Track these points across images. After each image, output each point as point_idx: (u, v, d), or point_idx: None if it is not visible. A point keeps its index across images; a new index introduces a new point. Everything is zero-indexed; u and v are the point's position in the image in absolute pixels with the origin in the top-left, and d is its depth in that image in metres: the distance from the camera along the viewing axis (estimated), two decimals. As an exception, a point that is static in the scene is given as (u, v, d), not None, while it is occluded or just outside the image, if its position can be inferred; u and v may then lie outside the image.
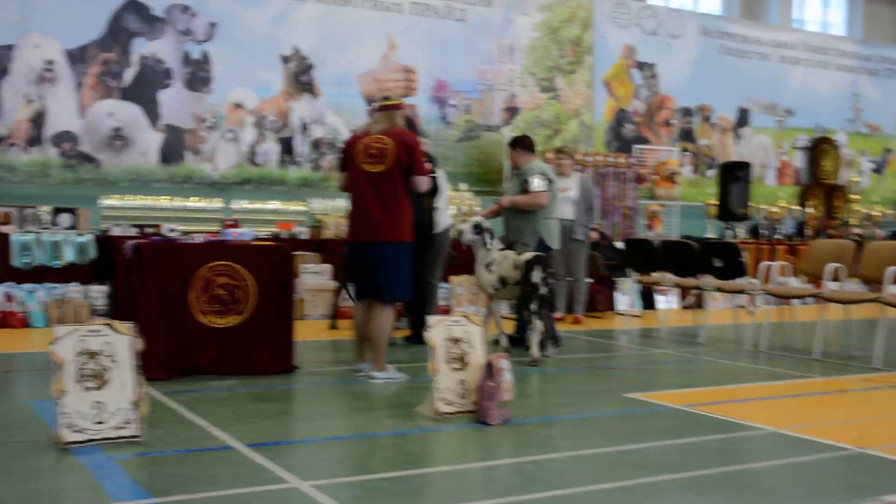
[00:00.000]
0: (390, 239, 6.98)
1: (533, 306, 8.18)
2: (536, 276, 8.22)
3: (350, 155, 7.07)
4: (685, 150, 16.62)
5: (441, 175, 9.41)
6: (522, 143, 9.37)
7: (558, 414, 6.12)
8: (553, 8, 15.19)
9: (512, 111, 14.82)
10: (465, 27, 14.41)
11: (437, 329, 5.85)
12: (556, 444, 5.23)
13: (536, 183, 8.92)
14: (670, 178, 15.74)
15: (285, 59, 13.12)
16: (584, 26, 15.47)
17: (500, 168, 14.08)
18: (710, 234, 15.38)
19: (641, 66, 16.22)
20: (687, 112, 16.72)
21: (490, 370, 5.61)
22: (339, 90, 13.50)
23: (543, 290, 8.29)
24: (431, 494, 4.33)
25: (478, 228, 8.53)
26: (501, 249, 8.62)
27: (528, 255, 8.39)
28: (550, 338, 8.62)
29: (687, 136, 16.74)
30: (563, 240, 11.29)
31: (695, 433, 5.59)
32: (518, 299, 8.44)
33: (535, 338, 8.13)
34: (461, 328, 5.94)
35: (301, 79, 13.22)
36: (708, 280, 10.22)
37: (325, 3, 13.35)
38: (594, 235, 11.68)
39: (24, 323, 10.03)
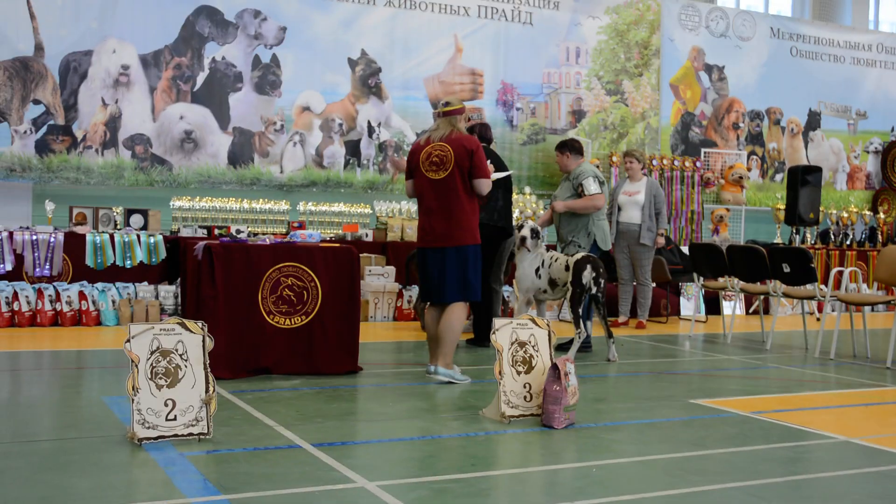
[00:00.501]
0: (452, 244, 7.05)
1: (581, 309, 8.25)
2: (587, 276, 8.25)
3: (415, 163, 7.15)
4: (753, 153, 16.43)
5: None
6: (571, 147, 9.43)
7: (623, 419, 6.09)
8: (620, 10, 15.10)
9: (578, 114, 14.76)
10: (531, 30, 14.39)
11: (503, 332, 5.87)
12: (621, 449, 5.22)
13: (592, 186, 8.93)
14: (738, 181, 15.56)
15: (353, 63, 13.19)
16: (652, 29, 15.36)
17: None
18: (778, 240, 15.18)
19: (710, 68, 16.06)
20: (756, 115, 16.52)
21: (556, 373, 5.61)
22: (406, 93, 13.55)
23: (594, 291, 8.36)
24: (496, 497, 4.35)
25: (535, 233, 8.56)
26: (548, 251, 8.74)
27: (580, 255, 8.41)
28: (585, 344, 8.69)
29: (755, 139, 16.55)
30: (628, 244, 11.27)
31: (761, 441, 5.54)
32: (570, 300, 8.45)
33: (576, 343, 8.18)
34: (527, 331, 5.96)
35: (368, 82, 13.29)
36: (776, 286, 10.12)
37: (393, 6, 13.40)
38: (660, 241, 11.59)
39: (97, 321, 10.16)
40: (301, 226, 11.00)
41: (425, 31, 13.68)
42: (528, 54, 14.38)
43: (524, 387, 5.81)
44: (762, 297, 11.36)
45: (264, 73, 12.61)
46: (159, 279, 10.65)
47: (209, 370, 5.12)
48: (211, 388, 5.11)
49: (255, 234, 9.19)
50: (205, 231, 10.89)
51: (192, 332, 5.11)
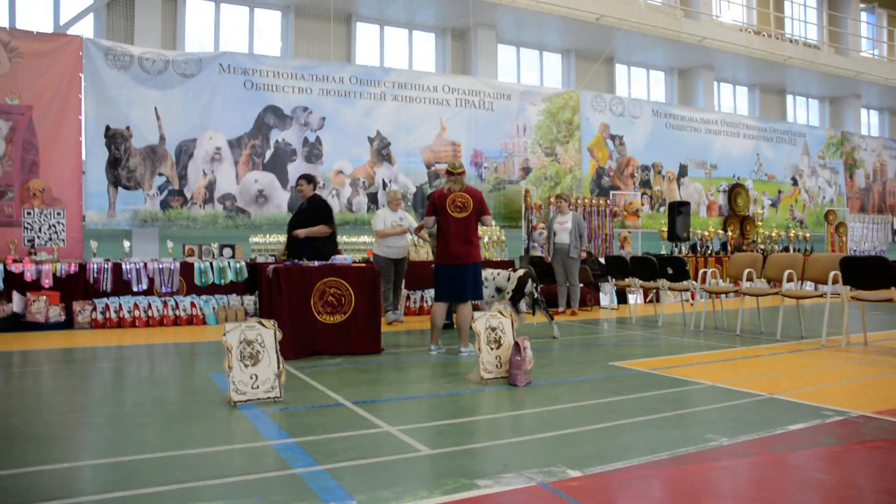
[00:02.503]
0: (471, 261, 7.20)
1: (522, 305, 8.71)
2: (530, 286, 8.59)
3: (441, 205, 7.21)
4: (644, 193, 16.46)
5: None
6: (309, 179, 8.74)
7: (564, 377, 6.07)
8: (552, 99, 15.14)
9: (526, 170, 14.77)
10: (493, 114, 14.40)
11: (481, 321, 5.84)
12: (563, 398, 5.20)
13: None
14: (635, 213, 15.60)
15: (371, 140, 13.19)
16: (574, 111, 15.40)
17: (520, 209, 14.05)
18: (664, 251, 15.20)
19: (614, 137, 16.10)
20: (645, 168, 16.57)
21: (517, 348, 5.59)
22: (408, 159, 13.54)
23: (536, 295, 8.69)
24: (480, 434, 4.31)
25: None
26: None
27: (521, 271, 8.65)
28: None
29: (645, 184, 16.58)
30: (562, 257, 11.26)
31: (657, 388, 5.53)
32: (510, 301, 8.63)
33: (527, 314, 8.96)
34: (497, 320, 5.93)
35: (382, 152, 13.28)
36: (663, 283, 10.12)
37: (398, 101, 13.42)
38: (584, 254, 11.58)
39: (202, 321, 10.14)
40: (339, 253, 10.91)
41: (420, 117, 13.69)
42: (491, 130, 14.39)
43: (496, 358, 5.79)
44: (654, 290, 11.36)
45: (311, 149, 12.61)
46: (243, 292, 10.60)
47: (279, 353, 5.08)
48: (281, 366, 5.07)
49: (309, 260, 9.13)
50: (273, 258, 10.84)
51: (267, 327, 5.07)
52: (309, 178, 8.67)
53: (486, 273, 8.65)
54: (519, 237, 13.94)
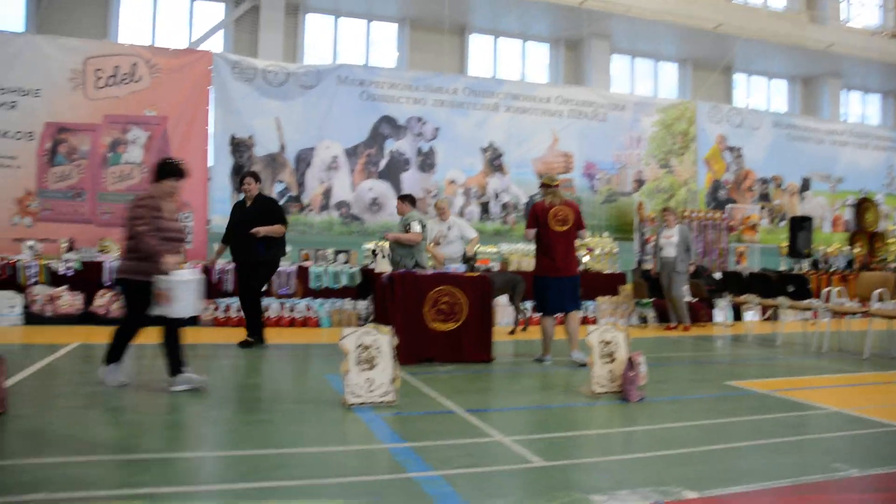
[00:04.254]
0: (574, 274, 7.34)
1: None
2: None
3: (543, 219, 7.28)
4: (763, 207, 15.83)
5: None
6: (407, 198, 8.92)
7: (677, 395, 5.92)
8: (667, 110, 14.79)
9: (639, 182, 14.48)
10: (606, 125, 14.19)
11: (594, 335, 5.79)
12: (677, 416, 5.07)
13: (416, 227, 8.45)
14: (753, 227, 15.04)
15: (484, 150, 13.26)
16: (690, 122, 14.98)
17: (632, 222, 13.81)
18: (783, 268, 14.56)
19: (731, 149, 15.57)
20: (764, 181, 15.92)
21: (630, 364, 5.51)
22: (520, 170, 13.52)
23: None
24: (591, 448, 4.28)
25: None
26: None
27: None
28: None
29: (764, 197, 15.93)
30: (668, 272, 10.97)
31: (776, 411, 5.31)
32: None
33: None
34: (611, 334, 5.86)
35: (494, 163, 13.33)
36: (783, 300, 9.71)
37: (511, 112, 13.44)
38: (692, 268, 11.24)
39: (317, 324, 10.44)
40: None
41: (532, 128, 13.64)
42: (603, 142, 14.18)
43: (609, 372, 5.72)
44: (773, 308, 10.91)
45: (424, 159, 12.79)
46: (356, 296, 10.84)
47: (395, 359, 5.19)
48: (396, 371, 5.18)
49: (421, 267, 9.26)
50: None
51: (383, 333, 5.19)
52: (257, 177, 8.26)
53: None
54: (630, 250, 13.69)
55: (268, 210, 8.17)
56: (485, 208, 13.21)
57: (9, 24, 13.02)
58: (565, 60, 16.60)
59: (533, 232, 7.35)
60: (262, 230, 7.93)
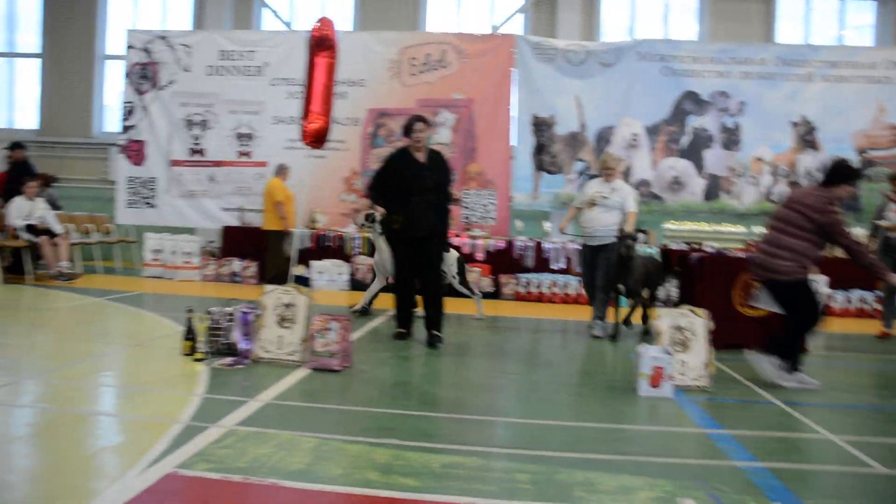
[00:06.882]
0: None
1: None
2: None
3: None
4: None
5: None
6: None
7: None
8: None
9: None
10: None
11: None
12: None
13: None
14: None
15: (794, 124, 12.25)
16: None
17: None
18: None
19: None
20: None
21: None
22: (836, 145, 12.26)
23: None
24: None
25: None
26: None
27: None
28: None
29: None
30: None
31: None
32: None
33: None
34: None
35: (806, 138, 12.27)
36: None
37: (827, 81, 12.26)
38: None
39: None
40: (756, 245, 10.27)
41: (853, 98, 12.27)
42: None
43: None
44: None
45: (728, 135, 12.16)
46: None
47: (710, 343, 5.07)
48: (711, 355, 5.06)
49: (726, 250, 8.89)
50: (686, 246, 10.72)
51: (698, 316, 5.09)
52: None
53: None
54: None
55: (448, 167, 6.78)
56: (796, 187, 12.23)
57: (341, 25, 14.54)
58: (896, 19, 14.73)
59: None
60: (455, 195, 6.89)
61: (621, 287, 7.30)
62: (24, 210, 10.34)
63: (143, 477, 2.91)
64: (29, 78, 16.36)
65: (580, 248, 7.96)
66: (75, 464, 3.10)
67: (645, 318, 7.67)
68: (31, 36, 16.35)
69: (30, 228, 10.23)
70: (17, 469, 3.04)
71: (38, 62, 16.19)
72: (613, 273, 7.23)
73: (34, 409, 3.98)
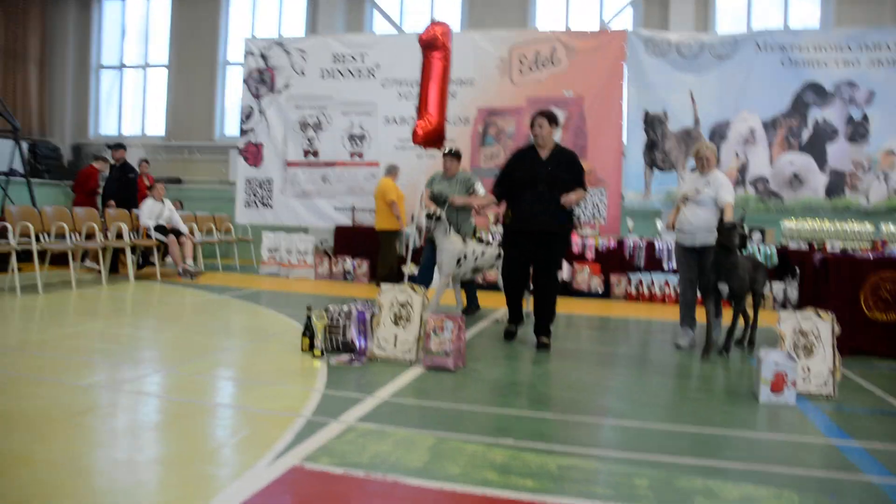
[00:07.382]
0: None
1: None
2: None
3: None
4: None
5: None
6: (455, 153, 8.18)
7: None
8: None
9: None
10: None
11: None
12: None
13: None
14: None
15: (932, 115, 11.51)
16: None
17: None
18: None
19: None
20: None
21: None
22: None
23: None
24: None
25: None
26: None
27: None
28: None
29: None
30: None
31: None
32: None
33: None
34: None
35: (946, 129, 11.49)
36: None
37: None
38: None
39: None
40: (884, 244, 9.76)
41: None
42: None
43: None
44: None
45: (855, 128, 11.52)
46: (773, 278, 10.19)
47: (836, 349, 4.84)
48: (837, 362, 4.82)
49: (850, 251, 8.45)
50: (806, 246, 10.27)
51: (823, 319, 4.87)
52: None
53: (473, 248, 7.45)
54: None
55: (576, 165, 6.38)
56: (930, 183, 11.48)
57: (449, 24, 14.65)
58: None
59: None
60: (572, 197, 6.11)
61: (724, 288, 6.11)
62: (155, 211, 10.98)
63: (271, 469, 3.05)
64: (158, 87, 17.34)
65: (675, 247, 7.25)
66: (205, 452, 3.28)
67: (746, 325, 6.79)
68: (160, 48, 17.33)
69: (159, 228, 10.85)
70: (150, 455, 3.23)
71: (165, 72, 17.13)
72: (713, 272, 6.11)
73: (165, 399, 4.22)
